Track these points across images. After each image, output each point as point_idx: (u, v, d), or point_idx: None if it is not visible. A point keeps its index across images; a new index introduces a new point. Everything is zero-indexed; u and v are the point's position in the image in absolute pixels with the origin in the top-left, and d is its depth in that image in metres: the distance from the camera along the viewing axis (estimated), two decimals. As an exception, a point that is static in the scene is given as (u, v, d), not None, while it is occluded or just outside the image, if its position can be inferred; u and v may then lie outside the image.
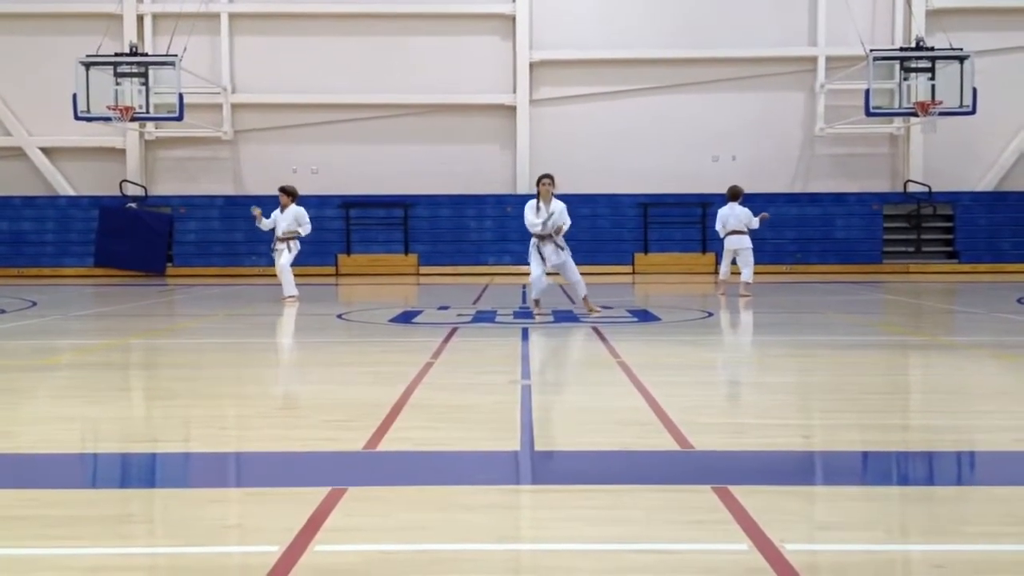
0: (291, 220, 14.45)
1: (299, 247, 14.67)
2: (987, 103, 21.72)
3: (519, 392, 6.47)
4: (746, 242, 15.15)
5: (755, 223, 15.03)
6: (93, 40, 22.25)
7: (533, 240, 11.87)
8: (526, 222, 11.78)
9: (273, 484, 4.27)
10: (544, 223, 11.61)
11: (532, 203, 11.77)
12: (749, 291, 15.13)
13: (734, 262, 15.37)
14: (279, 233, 14.52)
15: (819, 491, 4.23)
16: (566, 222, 11.74)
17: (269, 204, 15.05)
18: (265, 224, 14.60)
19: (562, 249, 11.78)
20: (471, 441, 5.08)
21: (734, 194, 15.33)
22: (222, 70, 24.61)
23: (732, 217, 15.12)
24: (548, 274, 11.99)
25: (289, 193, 14.61)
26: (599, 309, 12.07)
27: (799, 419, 5.84)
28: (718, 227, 15.37)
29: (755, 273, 15.28)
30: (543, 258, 11.76)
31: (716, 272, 23.74)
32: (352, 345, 9.98)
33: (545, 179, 11.78)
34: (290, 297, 14.50)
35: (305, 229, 14.53)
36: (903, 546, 3.47)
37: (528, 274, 12.18)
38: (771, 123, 24.72)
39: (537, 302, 11.97)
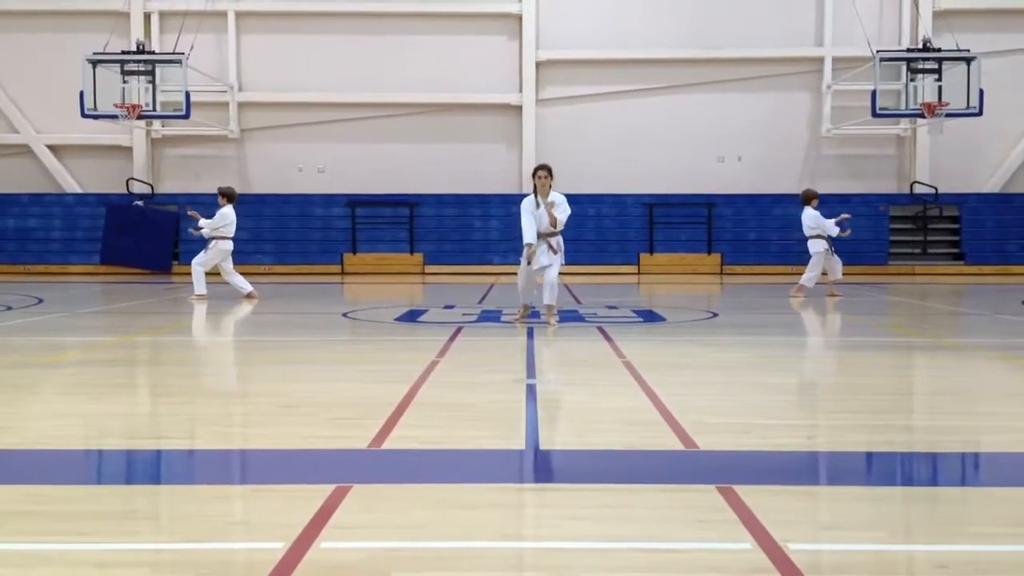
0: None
1: (222, 248, 15.15)
2: (994, 105, 21.59)
3: (524, 391, 6.48)
4: (811, 246, 15.14)
5: (829, 228, 14.94)
6: (100, 38, 22.26)
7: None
8: (523, 226, 10.39)
9: (278, 481, 4.28)
10: (539, 227, 10.35)
11: (529, 200, 10.49)
12: (799, 293, 15.24)
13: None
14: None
15: (823, 491, 4.24)
16: (566, 211, 10.45)
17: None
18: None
19: (555, 252, 10.53)
20: (476, 440, 5.09)
21: (803, 198, 15.31)
22: (229, 68, 24.59)
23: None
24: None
25: (222, 194, 15.29)
26: (555, 325, 10.55)
27: (804, 419, 5.84)
28: None
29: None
30: (530, 260, 10.51)
31: (721, 272, 23.91)
32: (358, 343, 10.00)
33: (541, 171, 10.48)
34: (198, 296, 14.96)
35: (207, 231, 15.10)
36: (906, 546, 3.47)
37: (516, 274, 11.12)
38: (777, 124, 24.65)
39: (526, 307, 11.00)
